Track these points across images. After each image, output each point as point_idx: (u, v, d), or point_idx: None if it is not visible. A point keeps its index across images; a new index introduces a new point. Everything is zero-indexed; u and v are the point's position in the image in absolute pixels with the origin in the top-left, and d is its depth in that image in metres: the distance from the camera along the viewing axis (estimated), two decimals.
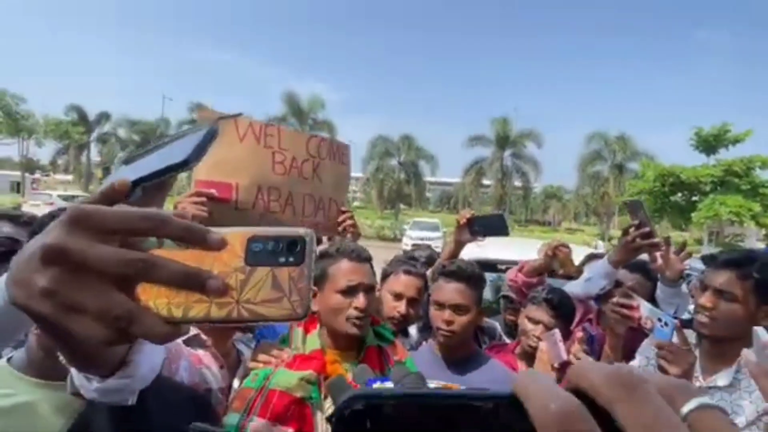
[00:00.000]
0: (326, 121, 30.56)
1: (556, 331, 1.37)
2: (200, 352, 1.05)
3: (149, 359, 0.49)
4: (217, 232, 0.32)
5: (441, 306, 1.41)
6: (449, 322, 1.38)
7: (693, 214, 18.58)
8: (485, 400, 0.22)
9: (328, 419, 0.88)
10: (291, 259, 0.33)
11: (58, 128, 31.12)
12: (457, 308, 1.39)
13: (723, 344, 1.13)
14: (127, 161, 0.60)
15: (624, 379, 0.20)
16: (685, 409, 0.21)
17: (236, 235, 0.33)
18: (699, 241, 18.88)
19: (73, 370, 0.48)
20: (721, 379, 1.15)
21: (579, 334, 1.22)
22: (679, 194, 20.06)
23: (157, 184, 0.52)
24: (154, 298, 0.31)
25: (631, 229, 1.41)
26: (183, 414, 0.71)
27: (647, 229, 1.37)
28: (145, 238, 0.32)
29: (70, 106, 33.35)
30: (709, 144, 19.59)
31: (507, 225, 1.70)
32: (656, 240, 1.38)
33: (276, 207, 1.38)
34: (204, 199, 1.22)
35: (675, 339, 1.13)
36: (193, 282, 0.31)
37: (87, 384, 0.47)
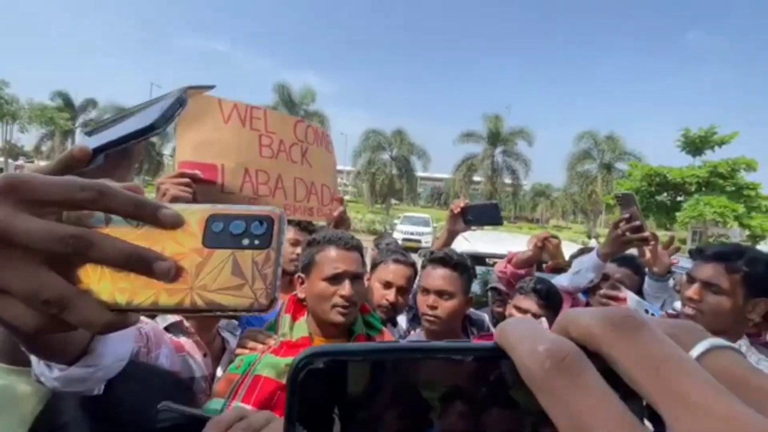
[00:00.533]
0: (318, 113, 30.30)
1: (543, 320, 1.37)
2: (183, 339, 1.02)
3: (115, 348, 0.47)
4: (172, 207, 0.29)
5: (426, 291, 1.43)
6: (433, 307, 1.39)
7: (678, 214, 18.95)
8: (465, 353, 0.19)
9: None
10: (256, 242, 0.29)
11: (43, 114, 30.29)
12: (441, 293, 1.41)
13: None
14: (90, 133, 0.56)
15: (622, 318, 0.18)
16: (696, 351, 0.19)
17: (195, 213, 0.29)
18: (683, 241, 19.26)
19: (33, 358, 0.45)
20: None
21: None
22: (665, 194, 20.44)
23: (121, 152, 0.49)
24: (98, 281, 0.28)
25: (621, 223, 1.40)
26: (161, 399, 0.68)
27: (638, 222, 1.37)
28: (90, 213, 0.28)
29: (56, 92, 32.45)
30: (695, 145, 19.97)
31: (501, 214, 1.70)
32: (646, 234, 1.37)
33: (265, 190, 1.34)
34: (188, 180, 1.16)
35: None
36: (137, 263, 0.27)
37: (47, 372, 0.45)
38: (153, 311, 0.28)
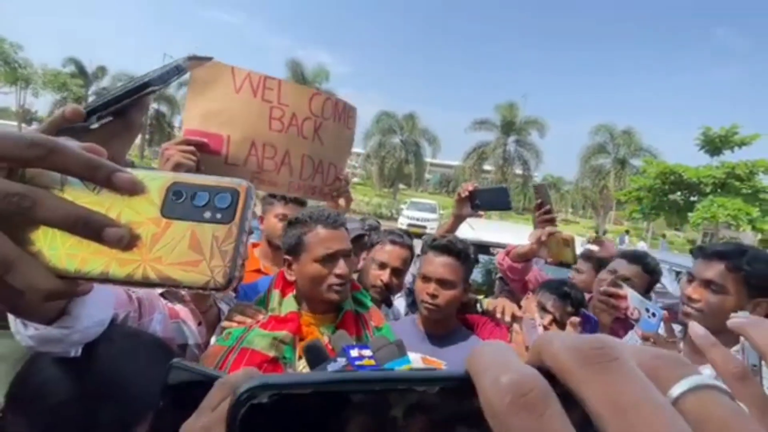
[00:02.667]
0: (331, 92, 29.95)
1: (536, 317, 1.35)
2: (178, 306, 1.04)
3: (92, 312, 0.47)
4: (132, 172, 0.28)
5: (427, 279, 1.40)
6: (434, 296, 1.37)
7: (690, 214, 18.62)
8: (431, 383, 0.17)
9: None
10: (218, 216, 0.27)
11: (56, 79, 30.37)
12: (443, 282, 1.38)
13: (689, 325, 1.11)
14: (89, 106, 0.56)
15: (594, 351, 0.16)
16: (676, 390, 0.16)
17: (157, 180, 0.28)
18: (692, 242, 18.99)
19: (9, 315, 0.46)
20: (706, 372, 1.14)
21: (575, 318, 1.18)
22: (678, 193, 20.04)
23: (120, 122, 0.47)
24: (48, 246, 0.26)
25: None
26: (147, 363, 0.69)
27: (548, 207, 1.65)
28: (45, 173, 0.27)
29: (68, 58, 32.38)
30: (714, 145, 19.43)
31: (510, 199, 1.66)
32: (552, 216, 1.67)
33: (270, 165, 1.30)
34: (192, 147, 1.14)
35: (661, 331, 1.11)
36: (85, 227, 0.26)
37: (23, 330, 0.46)
38: (102, 281, 0.27)
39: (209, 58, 0.74)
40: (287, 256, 1.14)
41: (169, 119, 32.48)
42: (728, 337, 1.06)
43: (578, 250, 2.01)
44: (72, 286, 0.27)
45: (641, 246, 13.66)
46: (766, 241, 17.07)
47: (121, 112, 0.49)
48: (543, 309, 1.49)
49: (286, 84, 1.35)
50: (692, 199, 19.60)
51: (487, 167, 33.23)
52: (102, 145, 0.46)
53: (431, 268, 1.40)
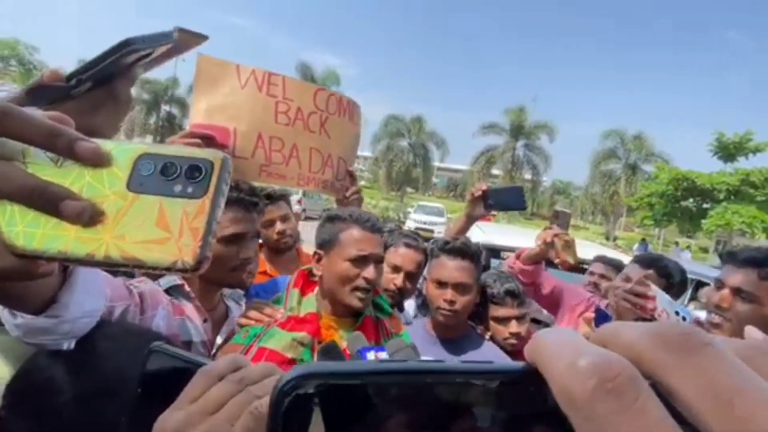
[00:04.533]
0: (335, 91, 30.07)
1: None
2: (183, 302, 1.00)
3: (81, 301, 0.44)
4: (97, 141, 0.25)
5: (443, 284, 1.35)
6: (452, 302, 1.33)
7: (703, 221, 18.28)
8: (489, 376, 0.16)
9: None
10: (189, 190, 0.25)
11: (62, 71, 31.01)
12: (460, 287, 1.34)
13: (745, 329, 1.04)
14: None
15: (681, 336, 0.14)
16: None
17: (125, 151, 0.25)
18: (705, 249, 18.64)
19: None
20: None
21: (589, 314, 1.13)
22: (691, 200, 19.72)
23: (105, 91, 0.44)
24: (7, 222, 0.24)
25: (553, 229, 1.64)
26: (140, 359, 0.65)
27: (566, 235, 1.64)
28: (3, 143, 0.24)
29: (83, 60, 32.96)
30: (728, 151, 19.12)
31: (524, 198, 1.62)
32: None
33: (278, 158, 1.29)
34: (198, 140, 1.13)
35: None
36: (41, 200, 0.23)
37: (11, 319, 0.44)
38: (62, 260, 0.24)
39: (204, 37, 0.71)
40: (318, 251, 1.11)
41: (179, 121, 32.91)
42: None
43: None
44: (32, 267, 0.25)
45: (684, 255, 13.22)
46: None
47: (106, 81, 0.45)
48: (503, 320, 1.49)
49: (290, 80, 1.35)
50: (705, 205, 19.27)
51: (495, 171, 33.08)
52: (87, 116, 0.41)
53: (446, 272, 1.35)
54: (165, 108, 32.73)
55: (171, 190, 0.25)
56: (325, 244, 1.09)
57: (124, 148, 0.26)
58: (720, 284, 1.12)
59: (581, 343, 0.15)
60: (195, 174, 0.25)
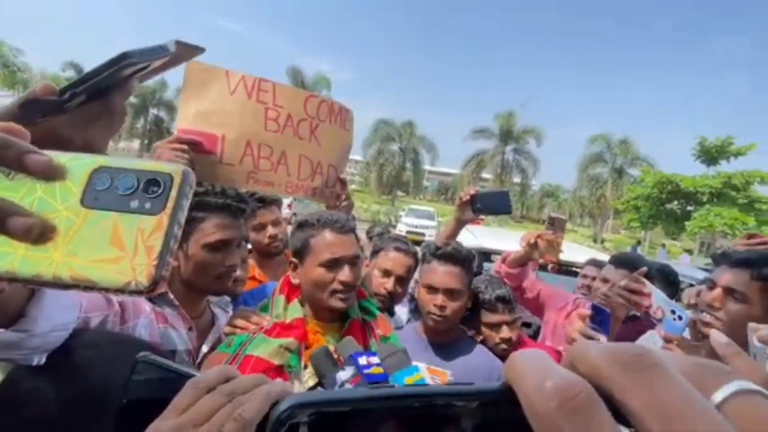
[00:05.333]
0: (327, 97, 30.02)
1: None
2: (167, 311, 0.98)
3: (50, 314, 0.43)
4: (49, 154, 0.24)
5: (434, 290, 1.35)
6: (442, 307, 1.33)
7: (687, 223, 18.68)
8: (469, 398, 0.17)
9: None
10: (147, 205, 0.23)
11: (55, 84, 30.47)
12: (450, 293, 1.34)
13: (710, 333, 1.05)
14: None
15: (634, 358, 0.15)
16: (720, 395, 0.16)
17: (80, 165, 0.24)
18: (689, 251, 19.04)
19: None
20: None
21: (584, 310, 1.12)
22: (675, 202, 20.14)
23: (100, 104, 0.43)
24: None
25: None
26: (125, 367, 0.62)
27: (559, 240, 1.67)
28: None
29: (68, 62, 32.45)
30: (711, 155, 19.61)
31: (510, 203, 1.64)
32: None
33: (266, 165, 1.28)
34: (185, 146, 1.11)
35: (686, 334, 1.06)
36: None
37: None
38: (9, 280, 0.23)
39: (201, 49, 0.70)
40: (293, 259, 1.10)
41: (168, 124, 32.51)
42: (745, 348, 1.01)
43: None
44: None
45: (683, 258, 13.39)
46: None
47: (101, 94, 0.44)
48: (493, 326, 1.51)
49: (281, 86, 1.34)
50: (689, 208, 19.71)
51: (485, 175, 33.39)
52: (81, 129, 0.40)
53: (437, 278, 1.35)
54: (153, 111, 32.30)
55: (127, 206, 0.23)
56: (299, 252, 1.08)
57: (80, 161, 0.24)
58: (712, 284, 1.14)
59: (549, 365, 0.16)
60: (153, 188, 0.24)
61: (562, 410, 0.14)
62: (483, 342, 1.52)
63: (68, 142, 0.43)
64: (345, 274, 1.03)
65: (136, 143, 33.78)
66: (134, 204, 0.23)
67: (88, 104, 0.43)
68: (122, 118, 0.49)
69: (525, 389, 0.16)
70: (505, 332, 1.49)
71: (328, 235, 1.06)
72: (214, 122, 1.21)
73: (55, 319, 0.46)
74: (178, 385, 0.31)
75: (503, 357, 1.44)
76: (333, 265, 1.03)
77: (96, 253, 0.22)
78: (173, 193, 0.24)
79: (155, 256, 0.22)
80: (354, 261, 1.07)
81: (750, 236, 1.50)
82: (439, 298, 1.33)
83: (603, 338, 1.05)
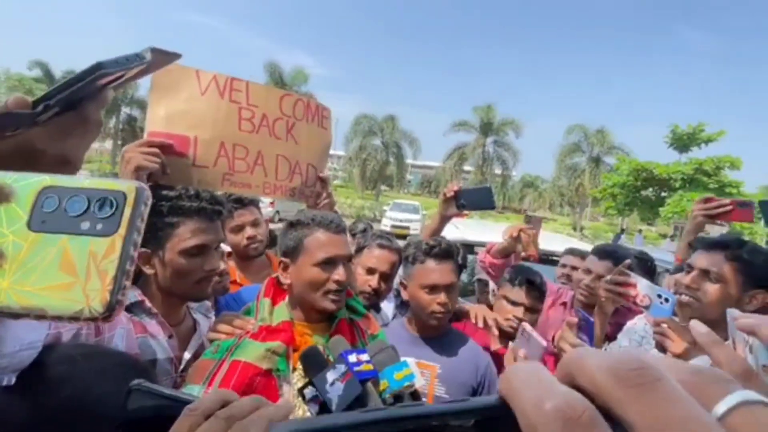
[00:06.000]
0: (309, 95, 29.59)
1: (525, 324, 1.30)
2: (145, 320, 0.94)
3: (18, 334, 0.41)
4: None
5: (436, 289, 1.35)
6: (445, 304, 1.34)
7: (661, 209, 19.33)
8: (464, 416, 0.16)
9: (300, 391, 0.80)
10: (99, 227, 0.22)
11: (21, 84, 28.97)
12: (451, 288, 1.36)
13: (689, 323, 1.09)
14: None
15: (634, 373, 0.15)
16: (722, 407, 0.16)
17: (26, 186, 0.23)
18: (664, 236, 19.73)
19: None
20: (698, 363, 1.12)
21: (573, 319, 1.15)
22: (650, 189, 20.79)
23: (74, 115, 0.41)
24: None
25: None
26: (116, 382, 0.60)
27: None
28: None
29: (34, 61, 30.97)
30: (683, 142, 20.28)
31: (494, 198, 1.66)
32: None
33: (242, 166, 1.24)
34: (156, 150, 1.07)
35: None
36: None
37: None
38: None
39: (177, 55, 0.68)
40: (284, 259, 1.08)
41: (141, 124, 31.45)
42: (724, 326, 1.05)
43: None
44: None
45: (667, 245, 13.78)
46: (731, 233, 17.90)
47: (75, 105, 0.42)
48: (513, 303, 1.49)
49: (254, 85, 1.30)
50: (663, 194, 20.37)
51: (467, 168, 33.69)
52: (56, 142, 0.40)
53: (438, 276, 1.35)
54: (125, 110, 31.21)
55: (77, 228, 0.22)
56: (291, 252, 1.07)
57: (25, 182, 0.23)
58: (689, 267, 1.18)
59: (547, 381, 0.16)
60: (105, 208, 0.22)
61: None
62: (490, 307, 1.56)
63: (42, 155, 0.41)
64: (340, 273, 1.02)
65: (108, 143, 32.64)
66: (85, 226, 0.22)
67: (61, 115, 0.41)
68: (98, 128, 0.47)
69: (524, 409, 0.15)
70: (520, 313, 1.48)
71: (322, 234, 1.04)
72: (185, 124, 1.16)
73: (23, 338, 0.44)
74: (174, 412, 0.30)
75: (509, 335, 1.44)
76: (329, 264, 1.02)
77: (46, 279, 0.21)
78: (127, 212, 0.22)
79: (109, 281, 0.21)
80: (348, 260, 1.07)
81: (707, 200, 1.54)
82: (442, 296, 1.34)
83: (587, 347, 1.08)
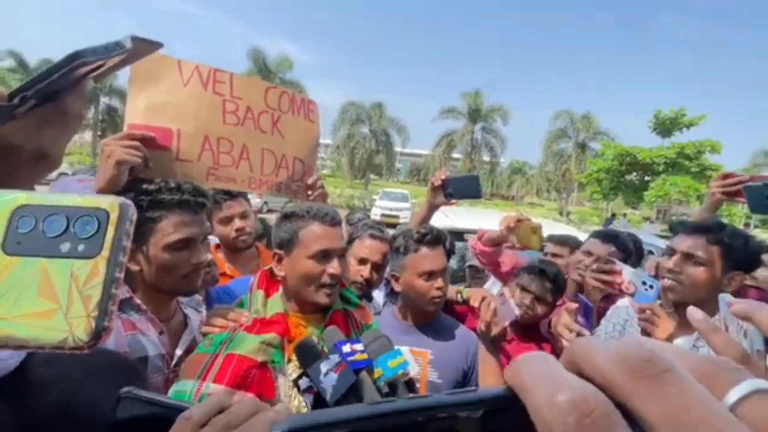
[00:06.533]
0: (294, 82, 29.11)
1: (506, 290, 1.33)
2: (134, 317, 0.93)
3: None
4: None
5: (433, 275, 1.37)
6: (442, 288, 1.37)
7: (645, 193, 19.74)
8: (472, 407, 0.16)
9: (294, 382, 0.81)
10: (80, 248, 0.21)
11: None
12: (445, 272, 1.40)
13: (686, 309, 1.13)
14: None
15: (644, 363, 0.15)
16: (733, 396, 0.16)
17: (0, 203, 0.21)
18: (648, 219, 20.20)
19: None
20: (682, 344, 1.16)
21: (573, 304, 1.17)
22: (634, 174, 21.17)
23: (53, 107, 0.40)
24: None
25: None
26: (106, 385, 0.59)
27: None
28: None
29: (7, 51, 29.60)
30: (665, 126, 20.62)
31: (480, 187, 1.66)
32: None
33: (227, 160, 1.21)
34: (137, 142, 1.02)
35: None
36: None
37: None
38: None
39: (159, 44, 0.65)
40: (278, 251, 1.07)
41: (121, 114, 30.49)
42: (706, 309, 1.08)
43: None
44: None
45: (649, 227, 14.07)
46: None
47: (54, 96, 0.41)
48: (523, 289, 1.52)
49: (238, 77, 1.26)
50: (647, 178, 20.77)
51: (455, 155, 33.75)
52: (33, 135, 0.39)
53: (433, 262, 1.37)
54: (104, 100, 30.23)
55: (57, 250, 0.20)
56: (285, 244, 1.06)
57: None
58: (672, 251, 1.21)
59: (558, 373, 0.16)
60: (86, 228, 0.21)
61: (579, 427, 0.14)
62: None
63: (19, 151, 0.39)
64: (334, 266, 1.02)
65: (88, 135, 31.67)
66: (65, 247, 0.20)
67: (39, 108, 0.39)
68: (78, 120, 0.45)
69: (535, 402, 0.15)
70: (527, 299, 1.49)
71: (317, 227, 1.04)
72: (167, 116, 1.12)
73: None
74: (168, 419, 0.29)
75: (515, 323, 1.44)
76: (323, 257, 1.02)
77: (24, 307, 0.19)
78: (110, 231, 0.21)
79: (93, 307, 0.20)
80: (342, 254, 1.07)
81: (725, 176, 1.46)
82: (440, 281, 1.37)
83: (587, 333, 1.10)
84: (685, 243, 1.17)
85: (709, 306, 1.13)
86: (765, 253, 1.80)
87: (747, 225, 13.64)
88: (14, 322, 0.19)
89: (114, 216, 0.21)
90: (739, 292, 1.16)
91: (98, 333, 0.20)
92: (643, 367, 0.15)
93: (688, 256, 1.15)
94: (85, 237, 0.21)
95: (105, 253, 0.20)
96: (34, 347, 0.19)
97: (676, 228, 1.26)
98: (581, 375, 0.16)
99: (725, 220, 1.43)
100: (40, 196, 0.21)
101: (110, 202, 0.21)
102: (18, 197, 0.21)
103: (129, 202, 0.22)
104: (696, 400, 0.14)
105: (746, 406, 0.15)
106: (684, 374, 0.15)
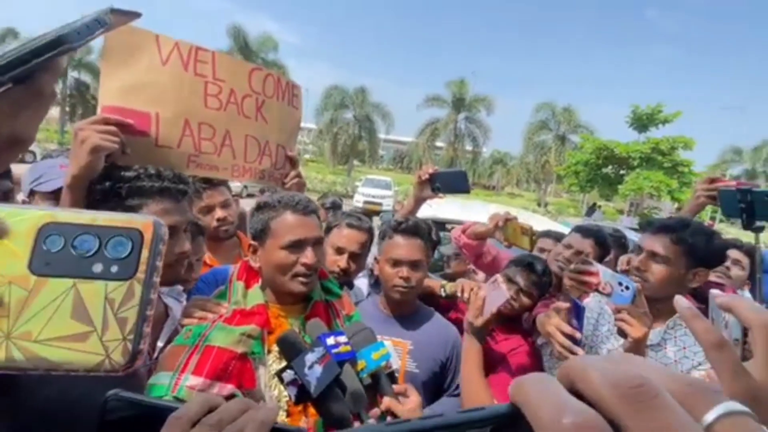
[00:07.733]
0: (277, 63, 28.30)
1: (498, 276, 1.36)
2: None
3: None
4: None
5: (398, 263, 1.40)
6: (407, 279, 1.38)
7: (620, 186, 20.38)
8: (479, 425, 0.17)
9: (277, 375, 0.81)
10: (114, 269, 0.20)
11: None
12: (414, 264, 1.40)
13: (654, 304, 1.17)
14: None
15: (636, 390, 0.17)
16: (710, 417, 0.18)
17: (24, 220, 0.20)
18: (621, 211, 20.92)
19: None
20: (652, 337, 1.23)
21: (562, 304, 1.20)
22: (610, 167, 21.78)
23: (27, 89, 0.38)
24: None
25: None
26: (90, 380, 0.58)
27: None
28: None
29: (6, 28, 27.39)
30: (642, 122, 21.18)
31: (468, 182, 1.67)
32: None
33: (209, 147, 1.16)
34: (112, 127, 0.96)
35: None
36: None
37: None
38: None
39: (137, 14, 0.61)
40: (253, 242, 1.07)
41: (93, 90, 29.06)
42: (670, 304, 1.14)
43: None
44: None
45: (624, 221, 14.50)
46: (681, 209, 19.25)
47: (27, 77, 0.39)
48: (509, 280, 1.56)
49: (222, 57, 1.19)
50: (622, 172, 21.41)
51: (439, 144, 33.80)
52: (8, 118, 0.39)
53: (401, 251, 1.39)
54: (73, 75, 28.64)
55: (89, 271, 0.20)
56: (259, 235, 1.05)
57: (20, 217, 0.19)
58: (639, 250, 1.27)
59: (562, 396, 0.17)
60: (119, 248, 0.20)
61: None
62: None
63: None
64: (308, 256, 1.01)
65: (55, 111, 30.03)
66: (98, 268, 0.20)
67: (12, 89, 0.38)
68: (51, 100, 0.43)
69: (541, 422, 0.16)
70: (512, 291, 1.50)
71: (289, 216, 1.02)
72: (144, 98, 1.05)
73: None
74: (157, 421, 0.28)
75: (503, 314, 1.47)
76: (295, 247, 1.01)
77: (56, 330, 0.19)
78: (144, 252, 0.20)
79: (130, 330, 0.19)
80: (318, 243, 1.05)
81: (711, 180, 1.45)
82: (404, 270, 1.38)
83: (578, 335, 1.12)
84: (650, 242, 1.23)
85: (671, 300, 1.20)
86: (729, 249, 1.90)
87: (713, 219, 14.30)
88: (45, 346, 0.18)
89: (148, 237, 0.21)
90: (701, 288, 1.23)
91: (134, 356, 0.20)
92: (634, 393, 0.17)
93: (652, 255, 1.22)
94: (119, 258, 0.20)
95: (140, 275, 0.20)
96: (65, 370, 0.19)
97: (644, 227, 1.32)
98: (574, 390, 0.18)
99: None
100: (66, 213, 0.20)
101: (143, 222, 0.21)
102: (43, 214, 0.20)
103: (161, 221, 0.21)
104: (677, 422, 0.16)
105: (719, 426, 0.17)
106: (669, 399, 0.17)
